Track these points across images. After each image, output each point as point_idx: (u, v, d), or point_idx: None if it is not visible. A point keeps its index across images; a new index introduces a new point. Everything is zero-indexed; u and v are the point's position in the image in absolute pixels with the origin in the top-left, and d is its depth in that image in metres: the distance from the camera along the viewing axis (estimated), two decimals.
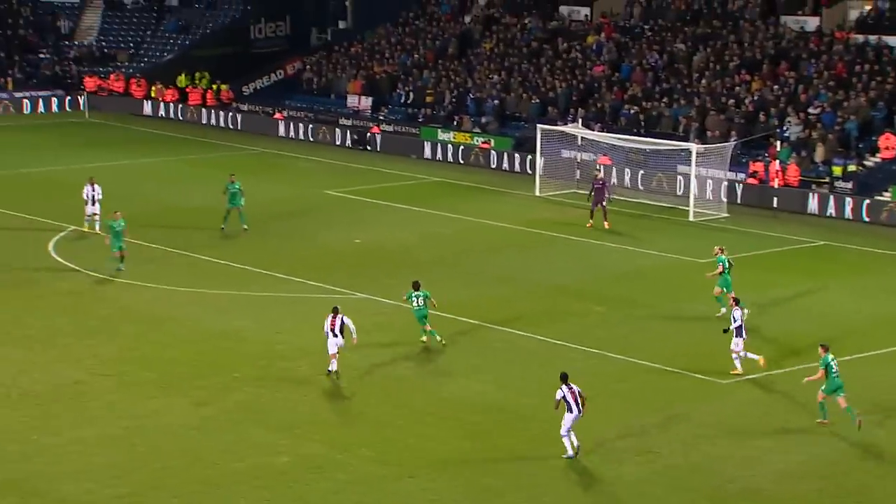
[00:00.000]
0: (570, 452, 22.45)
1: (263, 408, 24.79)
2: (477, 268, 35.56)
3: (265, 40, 69.81)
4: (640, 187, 46.49)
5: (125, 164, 51.22)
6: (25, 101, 64.31)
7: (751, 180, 45.60)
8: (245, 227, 38.50)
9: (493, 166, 51.49)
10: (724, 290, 30.67)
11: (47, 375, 26.28)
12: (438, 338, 28.44)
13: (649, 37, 55.79)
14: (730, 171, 44.87)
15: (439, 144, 53.64)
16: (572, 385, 22.52)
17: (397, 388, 25.98)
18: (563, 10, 60.94)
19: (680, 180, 45.38)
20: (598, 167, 44.85)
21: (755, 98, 49.14)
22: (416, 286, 28.65)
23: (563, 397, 22.38)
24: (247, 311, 31.07)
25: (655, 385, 26.32)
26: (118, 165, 50.67)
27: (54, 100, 65.00)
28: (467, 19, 63.18)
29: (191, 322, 30.35)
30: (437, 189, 47.85)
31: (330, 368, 26.31)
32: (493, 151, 52.13)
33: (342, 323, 26.32)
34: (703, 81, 51.25)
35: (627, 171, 47.06)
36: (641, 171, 46.85)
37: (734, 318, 26.80)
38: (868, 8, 51.57)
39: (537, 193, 46.54)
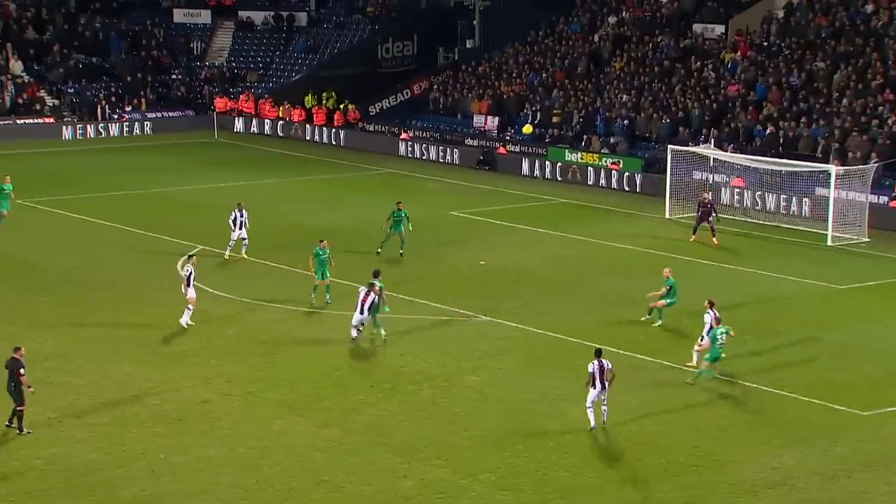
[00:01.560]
0: (593, 424, 24.32)
1: (387, 430, 24.98)
2: (599, 290, 35.35)
3: (392, 60, 70.67)
4: (776, 210, 45.64)
5: (253, 184, 52.24)
6: (157, 121, 66.21)
7: (894, 203, 44.42)
8: (401, 252, 38.91)
9: (622, 187, 51.17)
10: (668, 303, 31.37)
11: (176, 395, 26.90)
12: (383, 332, 29.97)
13: (787, 55, 54.86)
14: (872, 193, 43.81)
15: (558, 164, 53.53)
16: (604, 361, 24.25)
17: (521, 412, 25.92)
18: (697, 27, 60.34)
19: (819, 203, 44.45)
20: (704, 190, 44.41)
21: None
22: (376, 274, 30.11)
23: (592, 372, 24.21)
24: (369, 333, 31.34)
25: (794, 415, 25.77)
26: (246, 185, 51.71)
27: (185, 120, 66.80)
28: (597, 38, 63.01)
29: (315, 343, 30.77)
30: (563, 210, 47.74)
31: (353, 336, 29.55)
32: (622, 172, 51.86)
33: (373, 301, 29.22)
34: (844, 101, 50.18)
35: (762, 193, 46.27)
36: (777, 194, 46.03)
37: (705, 320, 28.00)
38: None
39: (667, 216, 46.07)
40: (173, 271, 32.58)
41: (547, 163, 54.44)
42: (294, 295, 34.41)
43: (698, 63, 57.05)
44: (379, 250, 39.09)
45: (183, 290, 31.47)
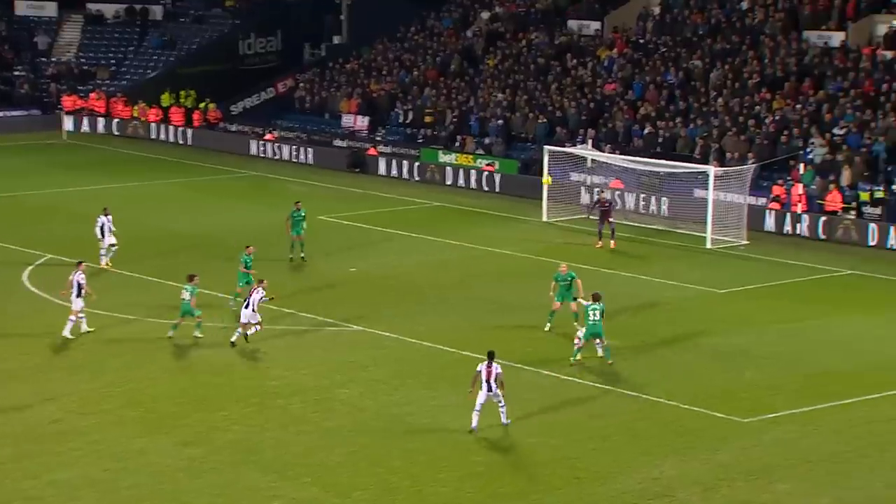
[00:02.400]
0: (473, 425, 25.16)
1: (254, 448, 24.83)
2: (477, 297, 35.66)
3: (255, 56, 70.16)
4: (655, 212, 46.62)
5: (107, 188, 51.36)
6: None
7: (773, 205, 45.76)
8: (303, 256, 39.07)
9: (498, 190, 51.68)
10: (563, 301, 32.05)
11: (24, 414, 26.30)
12: (170, 334, 30.83)
13: (664, 53, 56.09)
14: (750, 195, 45.04)
15: (436, 166, 53.87)
16: (495, 364, 25.07)
17: (396, 426, 26.01)
18: (573, 24, 61.30)
19: (697, 205, 45.52)
20: (600, 190, 45.20)
21: (776, 118, 49.37)
22: (191, 278, 30.87)
23: (479, 371, 25.14)
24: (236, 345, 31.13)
25: (675, 424, 26.36)
26: (99, 189, 50.82)
27: (30, 119, 65.23)
28: (470, 34, 63.53)
29: (177, 356, 30.41)
30: (437, 214, 48.00)
31: (232, 339, 30.70)
32: (497, 174, 52.38)
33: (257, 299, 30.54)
34: (721, 100, 51.49)
35: (641, 195, 47.21)
36: (656, 196, 47.01)
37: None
38: None
39: (545, 219, 46.70)
40: (17, 281, 31.89)
41: (420, 165, 54.71)
42: (155, 307, 33.93)
43: (574, 61, 57.95)
44: (291, 257, 38.89)
45: (71, 300, 31.06)
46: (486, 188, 52.08)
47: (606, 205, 42.47)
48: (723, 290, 37.41)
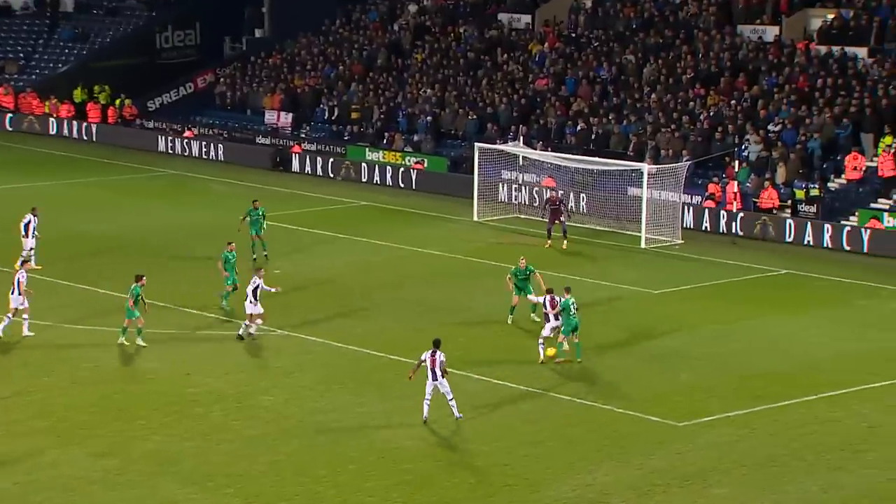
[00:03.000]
0: (425, 415, 25.95)
1: (173, 458, 24.66)
2: (406, 300, 35.71)
3: (172, 50, 69.59)
4: (588, 212, 46.95)
5: (17, 187, 50.68)
6: None
7: (707, 203, 46.29)
8: (266, 254, 39.27)
9: (427, 189, 51.73)
10: (520, 295, 32.94)
11: None
12: (125, 342, 30.75)
13: (596, 47, 56.51)
14: (684, 193, 45.53)
15: (366, 165, 53.86)
16: (439, 353, 25.85)
17: (321, 433, 25.97)
18: (503, 17, 61.54)
19: (631, 203, 45.93)
20: (547, 190, 45.50)
21: (711, 114, 49.95)
22: (138, 279, 30.84)
23: (423, 360, 25.94)
24: (154, 351, 30.89)
25: (608, 428, 26.57)
26: (7, 189, 50.12)
27: None
28: (397, 28, 63.55)
29: (91, 364, 30.10)
30: (365, 214, 47.98)
31: (239, 332, 31.33)
32: (426, 173, 52.44)
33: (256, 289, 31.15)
34: (655, 96, 52.00)
35: (573, 194, 47.51)
36: (589, 194, 47.32)
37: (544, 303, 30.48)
38: (831, 17, 52.49)
39: (476, 218, 46.85)
40: None
41: (346, 163, 54.61)
42: (65, 311, 33.56)
43: (505, 55, 58.20)
44: (255, 257, 38.81)
45: (11, 298, 31.21)
46: (414, 187, 52.14)
47: (556, 203, 42.84)
48: (657, 290, 37.79)
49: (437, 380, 25.93)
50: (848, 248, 42.59)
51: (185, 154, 58.63)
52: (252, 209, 39.41)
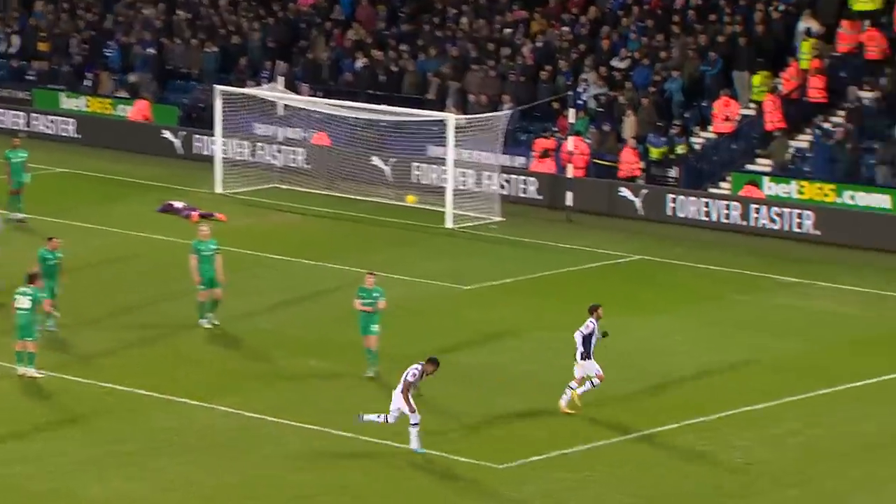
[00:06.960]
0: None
1: None
2: (119, 305, 35.66)
3: None
4: (374, 179, 47.20)
5: None
6: None
7: (536, 166, 47.04)
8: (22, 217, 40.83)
9: (152, 151, 51.33)
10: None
11: None
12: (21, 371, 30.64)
13: None
14: (504, 153, 46.19)
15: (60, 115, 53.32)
16: (412, 368, 27.56)
17: (11, 498, 25.75)
18: None
19: (432, 168, 46.38)
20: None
21: (537, 46, 50.73)
22: (31, 279, 31.25)
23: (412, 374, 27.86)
24: None
25: (402, 475, 26.88)
26: None
27: None
28: None
29: None
30: (66, 185, 47.47)
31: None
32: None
33: None
34: (464, 20, 52.53)
35: (354, 154, 47.70)
36: (376, 156, 47.59)
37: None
38: None
39: (219, 190, 46.69)
40: None
41: (34, 114, 53.69)
42: None
43: None
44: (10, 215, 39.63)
45: None
46: (133, 147, 51.62)
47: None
48: (469, 285, 38.26)
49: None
50: (717, 225, 43.84)
51: None
52: (10, 150, 41.33)
